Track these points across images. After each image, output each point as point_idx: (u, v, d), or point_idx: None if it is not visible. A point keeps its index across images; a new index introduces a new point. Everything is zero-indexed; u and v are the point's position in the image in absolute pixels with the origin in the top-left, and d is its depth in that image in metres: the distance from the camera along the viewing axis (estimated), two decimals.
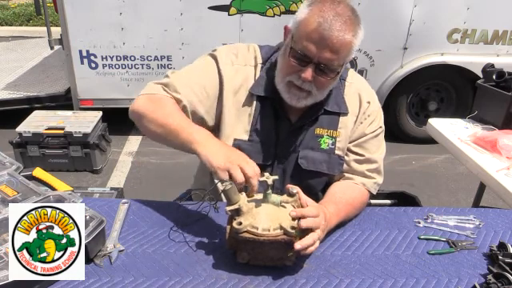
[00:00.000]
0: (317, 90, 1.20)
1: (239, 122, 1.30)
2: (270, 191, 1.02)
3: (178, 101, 1.23)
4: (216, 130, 1.31)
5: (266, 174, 1.02)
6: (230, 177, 1.01)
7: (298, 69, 1.16)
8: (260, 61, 1.31)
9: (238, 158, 1.04)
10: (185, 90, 1.24)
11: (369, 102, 1.34)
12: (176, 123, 1.15)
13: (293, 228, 0.97)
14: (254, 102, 1.29)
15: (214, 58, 1.30)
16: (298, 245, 0.97)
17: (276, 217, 1.00)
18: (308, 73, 1.14)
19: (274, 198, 1.03)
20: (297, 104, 1.23)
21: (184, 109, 1.23)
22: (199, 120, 1.27)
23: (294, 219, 0.99)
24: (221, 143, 1.12)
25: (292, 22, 1.19)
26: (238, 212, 1.00)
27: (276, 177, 1.02)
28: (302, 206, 1.05)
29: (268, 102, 1.29)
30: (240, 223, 0.98)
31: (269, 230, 0.97)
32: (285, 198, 1.05)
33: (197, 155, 1.09)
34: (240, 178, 1.00)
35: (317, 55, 1.12)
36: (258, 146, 1.30)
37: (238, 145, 1.29)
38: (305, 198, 1.07)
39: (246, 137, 1.30)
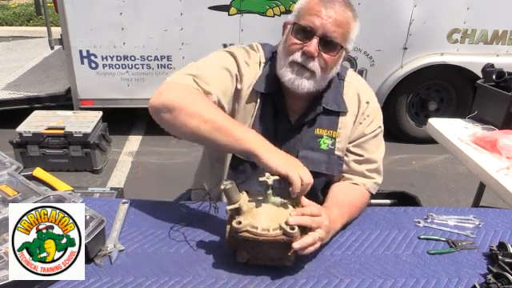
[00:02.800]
0: (321, 71, 1.19)
1: (243, 122, 1.30)
2: (270, 191, 1.02)
3: (208, 93, 1.19)
4: None
5: (267, 174, 1.02)
6: (288, 181, 1.01)
7: (301, 45, 1.17)
8: (263, 60, 1.31)
9: (296, 164, 1.05)
10: (214, 83, 1.21)
11: (368, 102, 1.34)
12: (224, 121, 1.10)
13: (292, 228, 0.97)
14: (258, 100, 1.29)
15: (233, 56, 1.29)
16: (296, 244, 0.97)
17: (276, 217, 1.00)
18: (312, 45, 1.15)
19: (275, 198, 1.03)
20: (299, 87, 1.20)
21: (214, 102, 1.20)
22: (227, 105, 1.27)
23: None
24: (277, 149, 1.09)
25: (292, 15, 1.22)
26: (238, 211, 1.00)
27: (276, 177, 1.02)
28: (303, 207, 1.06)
29: (269, 99, 1.29)
30: (239, 222, 0.98)
31: (268, 230, 0.97)
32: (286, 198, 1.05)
33: (253, 156, 1.05)
34: (298, 182, 1.00)
35: (320, 26, 1.14)
36: None
37: None
38: (306, 201, 1.07)
39: None
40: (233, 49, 1.32)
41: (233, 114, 1.29)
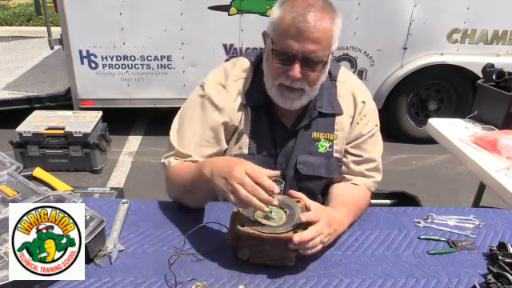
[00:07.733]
0: (309, 87, 1.19)
1: (239, 137, 1.30)
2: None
3: (192, 161, 1.24)
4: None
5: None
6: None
7: (284, 69, 1.15)
8: (251, 73, 1.30)
9: (233, 175, 0.98)
10: (192, 148, 1.26)
11: (364, 102, 1.33)
12: (189, 177, 1.15)
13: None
14: (249, 113, 1.29)
15: (205, 96, 1.28)
16: (296, 237, 0.97)
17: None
18: (295, 70, 1.13)
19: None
20: (291, 106, 1.22)
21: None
22: (218, 154, 1.29)
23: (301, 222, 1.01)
24: (220, 161, 1.09)
25: (268, 26, 1.19)
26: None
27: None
28: (307, 209, 1.06)
29: (261, 110, 1.29)
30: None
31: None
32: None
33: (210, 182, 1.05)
34: (243, 196, 0.95)
35: (299, 50, 1.11)
36: (259, 156, 1.30)
37: None
38: (309, 202, 1.08)
39: (245, 150, 1.30)
40: (206, 83, 1.30)
41: (231, 135, 1.30)
